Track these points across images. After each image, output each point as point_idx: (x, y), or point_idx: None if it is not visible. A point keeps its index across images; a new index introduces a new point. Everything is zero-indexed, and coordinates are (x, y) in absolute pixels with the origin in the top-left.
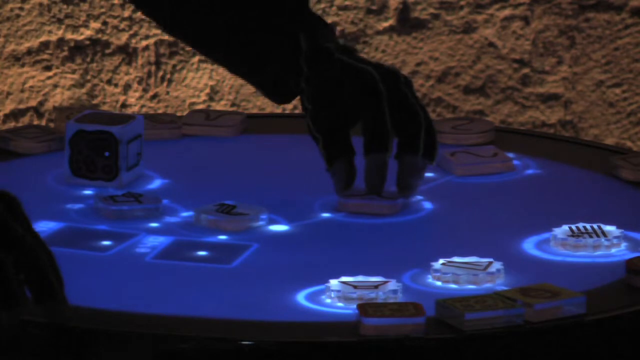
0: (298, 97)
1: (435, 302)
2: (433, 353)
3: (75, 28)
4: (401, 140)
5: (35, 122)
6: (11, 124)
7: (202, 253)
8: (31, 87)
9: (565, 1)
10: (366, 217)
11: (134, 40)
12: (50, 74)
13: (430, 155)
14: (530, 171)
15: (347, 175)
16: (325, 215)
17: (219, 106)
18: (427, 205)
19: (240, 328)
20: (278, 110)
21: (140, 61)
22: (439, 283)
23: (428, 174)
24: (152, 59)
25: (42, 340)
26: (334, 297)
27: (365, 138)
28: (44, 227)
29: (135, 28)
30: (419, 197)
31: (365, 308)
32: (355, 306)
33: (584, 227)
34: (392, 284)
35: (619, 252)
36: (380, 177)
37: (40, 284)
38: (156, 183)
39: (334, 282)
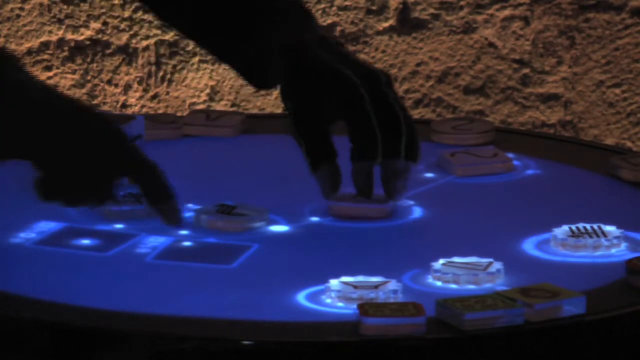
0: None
1: (435, 302)
2: (433, 353)
3: (75, 28)
4: (382, 145)
5: None
6: None
7: (201, 253)
8: None
9: (565, 1)
10: (365, 219)
11: (134, 41)
12: (50, 74)
13: (413, 156)
14: (530, 171)
15: (331, 180)
16: (326, 216)
17: (219, 106)
18: (427, 205)
19: (240, 328)
20: (278, 110)
21: (140, 61)
22: (439, 283)
23: (428, 175)
24: (153, 59)
25: (42, 340)
26: (334, 297)
27: (352, 144)
28: (44, 227)
29: (135, 28)
30: (410, 202)
31: (365, 308)
32: (355, 306)
33: (584, 227)
34: (392, 284)
35: (619, 252)
36: (368, 183)
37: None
38: None
39: (334, 282)
